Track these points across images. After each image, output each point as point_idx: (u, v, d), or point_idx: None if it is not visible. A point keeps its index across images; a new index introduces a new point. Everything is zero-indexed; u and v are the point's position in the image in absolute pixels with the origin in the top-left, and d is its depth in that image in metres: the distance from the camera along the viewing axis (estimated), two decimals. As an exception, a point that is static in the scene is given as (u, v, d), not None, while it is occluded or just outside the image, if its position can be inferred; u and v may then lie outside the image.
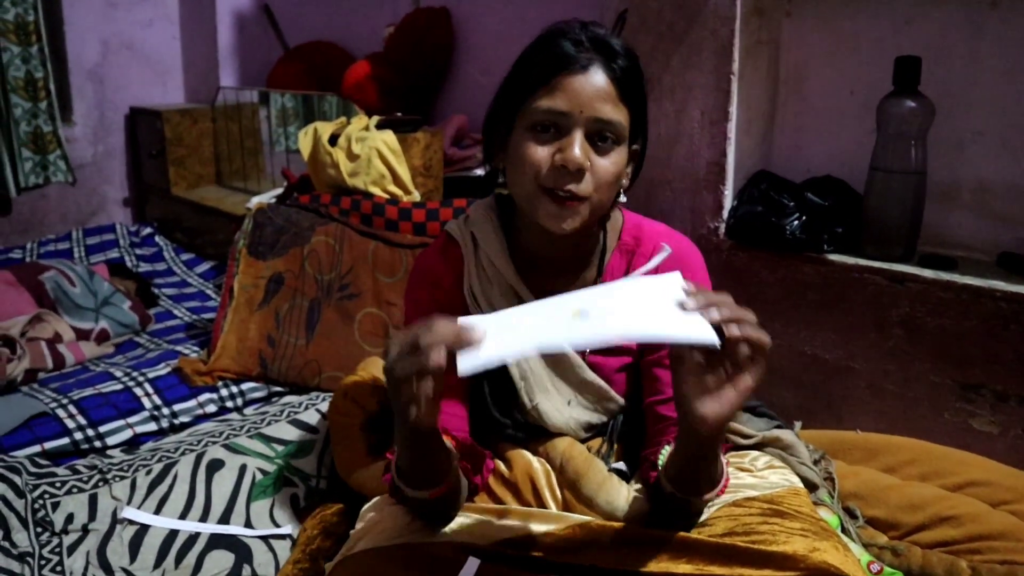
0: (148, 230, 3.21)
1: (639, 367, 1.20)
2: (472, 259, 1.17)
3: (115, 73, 3.34)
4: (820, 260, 1.65)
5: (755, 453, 1.36)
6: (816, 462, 1.46)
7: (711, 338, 0.81)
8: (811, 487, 1.36)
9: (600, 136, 1.02)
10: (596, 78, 1.00)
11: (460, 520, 1.11)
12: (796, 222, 1.66)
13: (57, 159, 3.16)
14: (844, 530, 1.36)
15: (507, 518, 1.11)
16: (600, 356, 1.19)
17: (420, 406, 0.83)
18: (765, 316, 1.73)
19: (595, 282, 1.16)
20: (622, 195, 1.12)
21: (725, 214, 1.79)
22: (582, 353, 1.18)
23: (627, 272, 1.17)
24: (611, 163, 1.03)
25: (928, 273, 1.52)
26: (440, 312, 1.10)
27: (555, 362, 1.18)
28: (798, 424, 1.68)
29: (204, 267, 2.96)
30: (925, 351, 1.54)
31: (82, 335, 2.21)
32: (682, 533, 1.04)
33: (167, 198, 3.25)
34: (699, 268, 1.19)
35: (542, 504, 1.16)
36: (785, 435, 1.42)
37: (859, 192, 1.68)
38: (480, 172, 2.34)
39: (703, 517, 1.10)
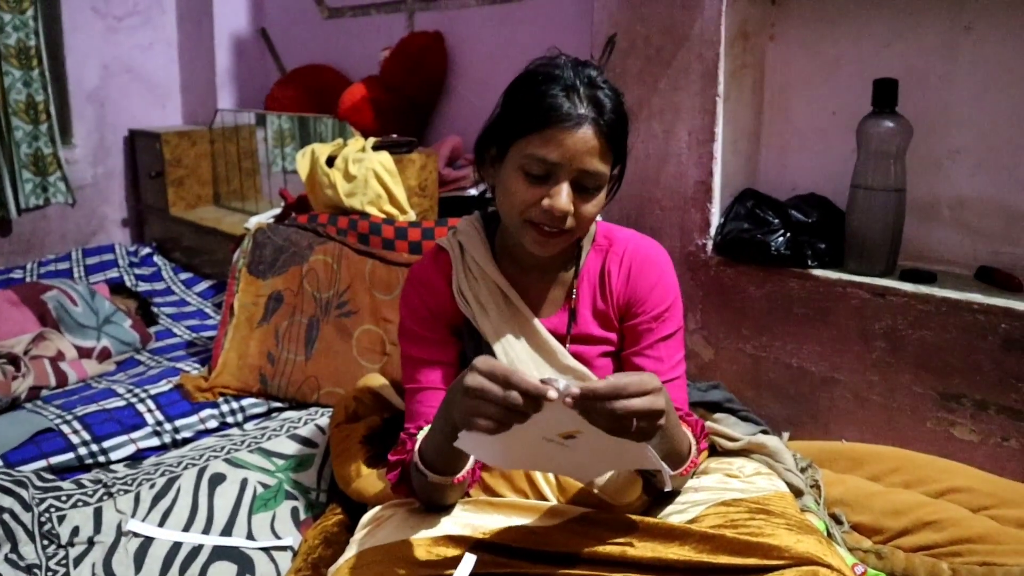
0: (147, 250, 3.24)
1: (620, 357, 1.29)
2: (460, 263, 1.28)
3: (115, 96, 3.38)
4: (805, 275, 1.68)
5: (742, 461, 1.41)
6: (803, 470, 1.49)
7: (655, 465, 0.96)
8: (797, 493, 1.39)
9: (585, 184, 1.12)
10: (586, 135, 1.09)
11: (458, 513, 1.17)
12: (781, 238, 1.70)
13: (57, 180, 3.20)
14: (830, 535, 1.38)
15: (503, 510, 1.17)
16: (581, 345, 1.28)
17: (489, 424, 0.92)
18: (752, 330, 1.78)
19: (574, 280, 1.27)
20: (598, 216, 1.23)
21: (713, 231, 1.83)
22: (563, 340, 1.26)
23: (603, 268, 1.27)
24: (593, 205, 1.14)
25: (908, 287, 1.56)
26: (430, 311, 1.25)
27: (539, 348, 1.26)
28: (786, 435, 1.71)
29: (203, 286, 2.99)
30: (907, 362, 1.57)
31: (84, 353, 2.23)
32: (672, 523, 1.10)
33: (166, 218, 3.27)
34: (666, 268, 1.28)
35: (537, 490, 1.22)
36: (771, 441, 1.46)
37: (842, 209, 1.71)
38: (474, 192, 2.39)
39: (693, 515, 1.16)
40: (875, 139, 1.59)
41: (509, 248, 1.27)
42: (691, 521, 1.15)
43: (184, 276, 3.08)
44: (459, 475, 1.11)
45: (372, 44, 2.91)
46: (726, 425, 1.54)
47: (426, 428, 1.15)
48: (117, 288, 2.64)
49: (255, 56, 3.43)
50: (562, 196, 1.10)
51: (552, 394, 0.88)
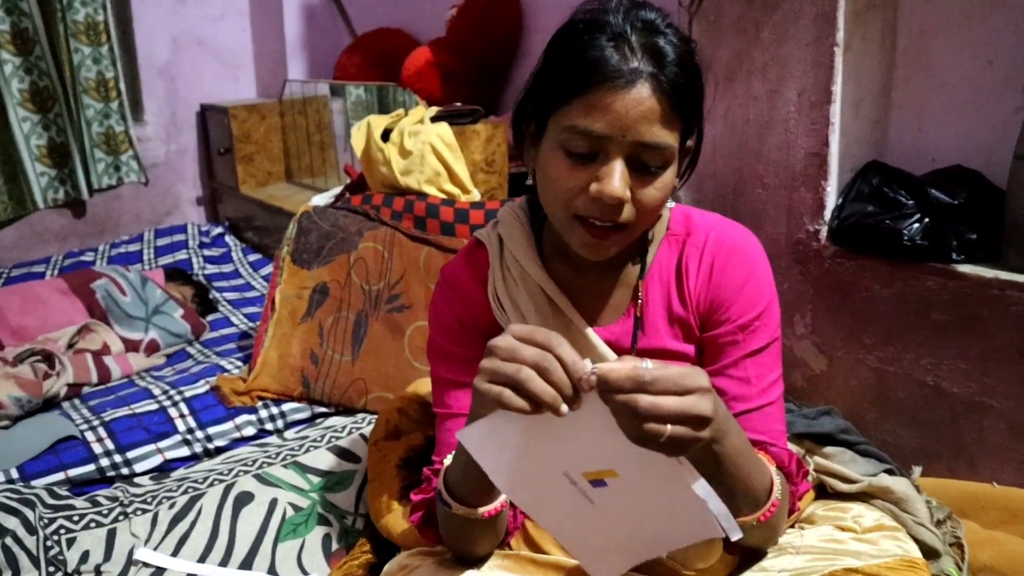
0: (219, 230, 3.20)
1: None
2: (497, 260, 1.09)
3: (186, 69, 3.33)
4: (948, 272, 1.39)
5: (860, 508, 1.20)
6: (939, 523, 1.25)
7: (722, 532, 0.77)
8: (931, 554, 1.15)
9: (645, 160, 0.90)
10: (642, 96, 0.87)
11: (494, 570, 1.01)
12: (917, 224, 1.43)
13: (130, 159, 3.18)
14: (977, 614, 1.12)
15: (547, 571, 1.02)
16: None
17: (514, 397, 0.75)
18: (877, 338, 1.51)
19: (639, 280, 1.05)
20: (671, 200, 1.00)
21: (828, 215, 1.56)
22: (626, 354, 1.03)
23: (679, 263, 1.05)
24: (656, 189, 0.91)
25: (1092, 290, 1.24)
26: (461, 324, 1.09)
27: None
28: (917, 470, 1.43)
29: (268, 269, 2.90)
30: (1087, 388, 1.25)
31: (131, 346, 2.16)
32: None
33: (237, 197, 3.23)
34: (758, 263, 1.05)
35: None
36: (898, 485, 1.23)
37: (1000, 187, 1.41)
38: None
39: None
40: (1050, 95, 1.25)
41: (559, 242, 1.04)
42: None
43: (253, 258, 3.01)
44: (489, 508, 0.93)
45: (443, 2, 2.70)
46: (839, 461, 1.31)
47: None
48: (173, 274, 2.57)
49: (327, 22, 3.29)
50: (614, 179, 0.87)
51: (593, 379, 0.73)
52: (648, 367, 0.72)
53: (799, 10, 1.51)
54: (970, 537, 1.22)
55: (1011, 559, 1.19)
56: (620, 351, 1.04)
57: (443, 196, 1.95)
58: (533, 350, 0.74)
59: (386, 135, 2.02)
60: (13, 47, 2.85)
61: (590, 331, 1.04)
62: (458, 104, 2.12)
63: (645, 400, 0.71)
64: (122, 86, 3.08)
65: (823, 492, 1.26)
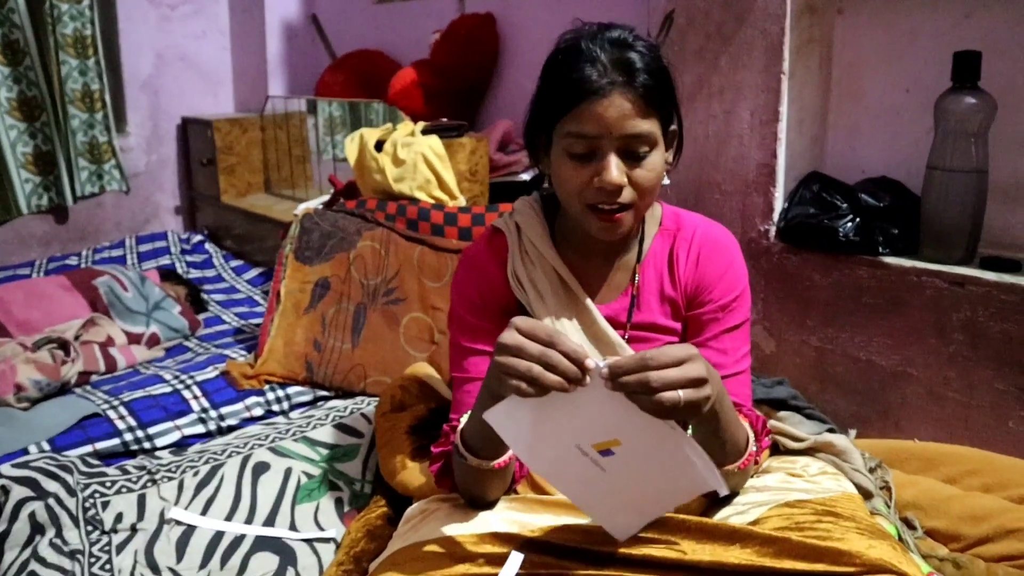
0: (198, 237, 3.27)
1: None
2: (516, 244, 1.22)
3: (168, 84, 3.41)
4: (875, 263, 1.60)
5: (807, 460, 1.35)
6: (872, 470, 1.41)
7: (715, 487, 0.91)
8: (866, 495, 1.32)
9: (634, 149, 1.06)
10: (618, 101, 1.03)
11: (505, 510, 1.13)
12: (850, 224, 1.62)
13: (112, 168, 3.24)
14: (902, 540, 1.30)
15: (552, 509, 1.13)
16: (642, 332, 1.22)
17: (529, 387, 0.89)
18: (818, 320, 1.70)
19: (636, 264, 1.21)
20: (666, 178, 1.16)
21: (776, 216, 1.75)
22: (623, 328, 1.21)
23: (671, 252, 1.21)
24: (648, 170, 1.07)
25: (990, 275, 1.46)
26: (482, 299, 1.21)
27: (595, 336, 1.21)
28: (853, 432, 1.63)
29: (252, 273, 2.99)
30: (988, 357, 1.48)
31: (133, 339, 2.24)
32: (733, 524, 1.04)
33: (217, 206, 3.30)
34: (736, 255, 1.23)
35: None
36: (838, 440, 1.40)
37: (916, 193, 1.62)
38: (526, 177, 2.33)
39: (754, 516, 1.11)
40: (954, 116, 1.49)
41: (569, 231, 1.22)
42: (752, 523, 1.09)
43: (234, 263, 3.09)
44: (500, 460, 1.06)
45: (423, 28, 2.88)
46: (791, 423, 1.50)
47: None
48: (167, 275, 2.65)
49: (306, 42, 3.42)
50: (612, 169, 1.04)
51: (590, 362, 0.86)
52: (639, 354, 0.87)
53: (751, 43, 1.71)
54: (896, 481, 1.39)
55: (928, 496, 1.36)
56: (617, 324, 1.21)
57: (432, 201, 2.12)
58: (537, 347, 0.87)
59: (378, 146, 2.19)
60: (3, 57, 2.91)
61: (593, 306, 1.20)
62: (444, 120, 2.30)
63: (654, 374, 0.84)
64: (107, 98, 3.15)
65: (776, 449, 1.42)
